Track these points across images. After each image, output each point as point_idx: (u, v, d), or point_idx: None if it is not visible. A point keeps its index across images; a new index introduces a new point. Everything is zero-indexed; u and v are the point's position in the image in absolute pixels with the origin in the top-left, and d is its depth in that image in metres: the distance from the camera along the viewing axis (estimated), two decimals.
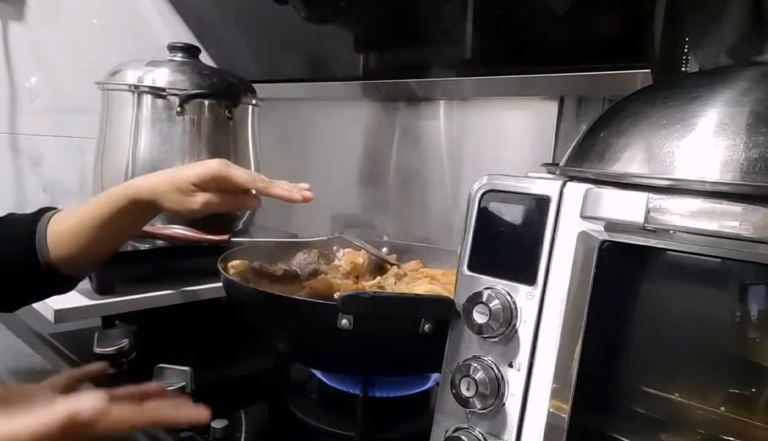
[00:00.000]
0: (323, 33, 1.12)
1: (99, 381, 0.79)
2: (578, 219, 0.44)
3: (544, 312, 0.45)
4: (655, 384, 0.46)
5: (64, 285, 0.70)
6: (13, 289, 0.67)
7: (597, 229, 0.43)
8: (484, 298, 0.47)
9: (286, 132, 1.29)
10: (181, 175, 0.64)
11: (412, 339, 0.53)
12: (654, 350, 0.47)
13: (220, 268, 0.74)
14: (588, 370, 0.44)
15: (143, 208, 0.65)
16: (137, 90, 0.98)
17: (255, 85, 1.11)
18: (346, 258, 0.81)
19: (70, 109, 1.20)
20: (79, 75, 1.12)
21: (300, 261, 0.84)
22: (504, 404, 0.46)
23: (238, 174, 0.65)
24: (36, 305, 0.74)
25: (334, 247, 0.88)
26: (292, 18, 1.05)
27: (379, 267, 0.85)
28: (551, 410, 0.45)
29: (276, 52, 1.26)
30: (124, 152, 0.99)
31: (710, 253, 0.39)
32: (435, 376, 0.74)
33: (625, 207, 0.41)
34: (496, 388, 0.46)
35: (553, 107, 0.89)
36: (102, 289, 0.87)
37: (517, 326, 0.46)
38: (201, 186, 0.64)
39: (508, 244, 0.48)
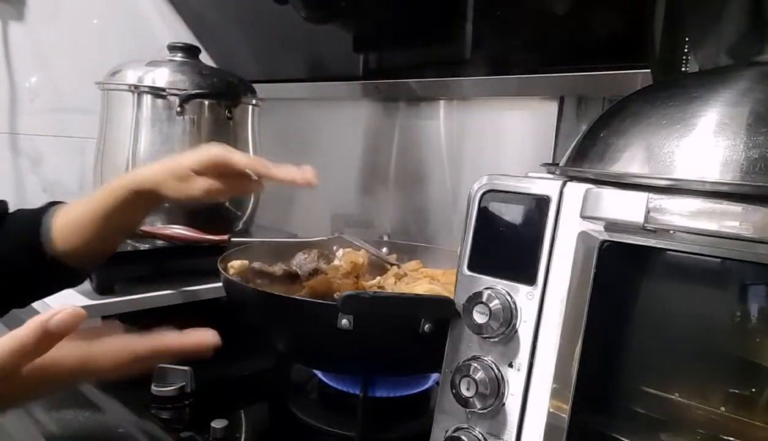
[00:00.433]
0: (323, 33, 1.12)
1: (99, 382, 0.79)
2: (578, 219, 0.44)
3: (544, 312, 0.45)
4: (655, 384, 0.46)
5: (73, 278, 0.70)
6: (23, 283, 0.67)
7: (597, 229, 0.43)
8: (484, 298, 0.47)
9: (286, 132, 1.29)
10: (179, 162, 0.63)
11: (412, 339, 0.53)
12: (654, 350, 0.47)
13: (220, 268, 0.74)
14: (588, 370, 0.44)
15: (145, 198, 0.65)
16: (137, 90, 0.98)
17: (255, 85, 1.11)
18: (346, 258, 0.81)
19: (70, 109, 1.20)
20: (79, 75, 1.12)
21: (300, 261, 0.85)
22: (504, 404, 0.46)
23: (238, 158, 0.64)
24: (35, 305, 0.74)
25: (334, 247, 0.88)
26: (292, 18, 1.05)
27: (379, 267, 0.86)
28: (551, 410, 0.45)
29: (276, 52, 1.26)
30: (124, 152, 0.99)
31: (710, 253, 0.39)
32: (435, 376, 0.74)
33: (625, 207, 0.41)
34: (496, 388, 0.46)
35: (553, 107, 0.89)
36: (102, 289, 0.87)
37: (517, 326, 0.46)
38: (201, 172, 0.63)
39: (508, 244, 0.48)
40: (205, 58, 1.13)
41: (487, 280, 0.48)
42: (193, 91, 0.98)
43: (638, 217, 0.40)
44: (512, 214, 0.48)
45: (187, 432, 0.67)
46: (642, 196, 0.40)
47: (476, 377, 0.47)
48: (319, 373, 0.75)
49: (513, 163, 0.93)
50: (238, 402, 0.76)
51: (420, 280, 0.79)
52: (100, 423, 0.71)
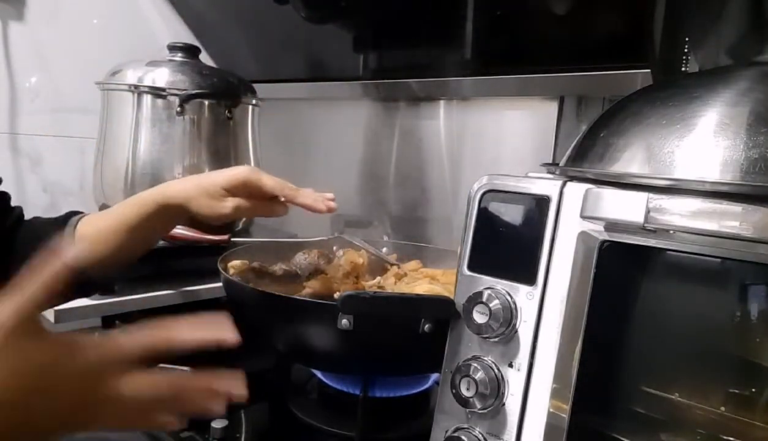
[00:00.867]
0: (323, 33, 1.12)
1: None
2: (578, 219, 0.44)
3: (544, 312, 0.45)
4: (655, 384, 0.46)
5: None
6: None
7: (597, 229, 0.43)
8: (484, 298, 0.47)
9: (286, 132, 1.29)
10: (211, 180, 0.64)
11: (412, 339, 0.53)
12: (654, 350, 0.47)
13: (220, 268, 0.74)
14: (588, 370, 0.44)
15: (172, 213, 0.65)
16: (137, 90, 0.98)
17: (255, 85, 1.11)
18: (346, 258, 0.81)
19: (70, 109, 1.20)
20: (79, 75, 1.12)
21: (300, 261, 0.84)
22: (504, 404, 0.46)
23: (267, 181, 0.65)
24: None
25: (334, 247, 0.88)
26: (292, 18, 1.05)
27: (379, 267, 0.85)
28: (551, 410, 0.45)
29: (276, 52, 1.26)
30: (124, 152, 0.99)
31: (710, 253, 0.39)
32: (435, 376, 0.74)
33: (625, 207, 0.41)
34: (496, 388, 0.46)
35: (553, 107, 0.89)
36: (102, 289, 0.87)
37: (517, 326, 0.46)
38: (231, 191, 0.64)
39: (508, 244, 0.48)
40: (205, 58, 1.13)
41: (487, 280, 0.48)
42: (193, 91, 0.98)
43: (638, 217, 0.40)
44: (512, 214, 0.48)
45: (187, 432, 0.67)
46: (642, 196, 0.40)
47: (476, 377, 0.47)
48: (319, 373, 0.75)
49: (513, 163, 0.93)
50: (238, 402, 0.75)
51: (420, 280, 0.79)
52: None
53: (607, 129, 0.47)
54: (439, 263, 0.87)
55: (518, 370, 0.46)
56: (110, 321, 0.97)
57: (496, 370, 0.47)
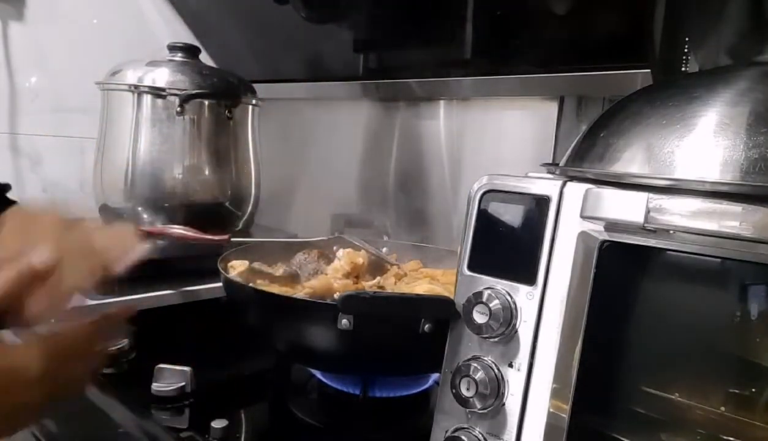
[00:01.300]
0: (323, 33, 1.12)
1: (99, 382, 0.79)
2: (578, 219, 0.44)
3: (544, 312, 0.45)
4: (655, 384, 0.46)
5: None
6: None
7: (597, 229, 0.43)
8: (484, 298, 0.47)
9: (286, 132, 1.29)
10: None
11: (412, 339, 0.53)
12: (654, 350, 0.47)
13: (220, 268, 0.74)
14: (588, 370, 0.44)
15: None
16: (137, 90, 0.98)
17: (255, 85, 1.11)
18: (346, 258, 0.81)
19: (70, 109, 1.20)
20: (79, 75, 1.12)
21: (300, 261, 0.85)
22: (504, 404, 0.46)
23: None
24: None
25: (334, 247, 0.88)
26: (292, 18, 1.05)
27: (379, 267, 0.85)
28: (551, 410, 0.45)
29: (276, 52, 1.26)
30: (124, 152, 0.99)
31: (710, 253, 0.39)
32: (435, 376, 0.74)
33: (625, 207, 0.41)
34: (496, 388, 0.46)
35: (553, 107, 0.89)
36: (102, 289, 0.87)
37: (517, 326, 0.46)
38: None
39: (508, 244, 0.48)
40: (205, 58, 1.13)
41: (487, 280, 0.48)
42: (193, 91, 0.98)
43: (638, 217, 0.40)
44: (512, 214, 0.48)
45: (187, 432, 0.67)
46: (642, 196, 0.40)
47: (476, 377, 0.47)
48: (319, 373, 0.75)
49: (513, 163, 0.93)
50: (238, 402, 0.76)
51: (420, 280, 0.79)
52: (100, 423, 0.71)
53: (607, 129, 0.47)
54: (439, 263, 0.87)
55: (518, 370, 0.46)
56: None
57: (496, 370, 0.47)
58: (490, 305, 0.46)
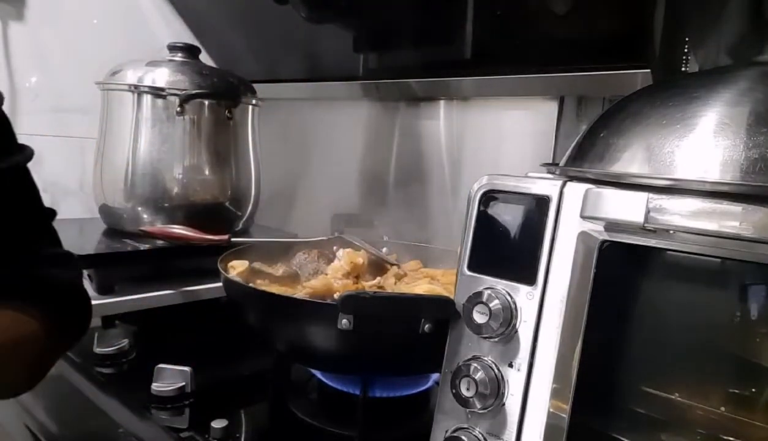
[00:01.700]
0: (323, 33, 1.12)
1: (98, 382, 0.79)
2: (578, 219, 0.44)
3: (544, 312, 0.45)
4: (655, 384, 0.46)
5: None
6: None
7: (597, 229, 0.43)
8: (484, 298, 0.47)
9: (286, 132, 1.29)
10: None
11: (412, 339, 0.53)
12: (654, 350, 0.47)
13: (220, 268, 0.74)
14: (588, 370, 0.44)
15: None
16: (137, 90, 0.98)
17: (255, 85, 1.11)
18: (346, 258, 0.81)
19: (70, 109, 1.20)
20: (79, 75, 1.12)
21: (300, 261, 0.85)
22: (504, 404, 0.46)
23: None
24: None
25: (334, 247, 0.88)
26: (292, 18, 1.05)
27: (379, 267, 0.85)
28: (551, 410, 0.45)
29: (276, 52, 1.26)
30: (124, 152, 0.99)
31: (710, 253, 0.39)
32: (435, 376, 0.74)
33: (625, 207, 0.41)
34: (496, 388, 0.46)
35: (553, 107, 0.89)
36: (102, 289, 0.88)
37: (517, 326, 0.46)
38: None
39: (508, 244, 0.48)
40: (205, 58, 1.13)
41: (487, 280, 0.48)
42: (193, 91, 0.98)
43: (638, 217, 0.40)
44: (512, 214, 0.48)
45: (187, 432, 0.67)
46: (642, 196, 0.40)
47: (476, 377, 0.47)
48: (319, 373, 0.75)
49: (513, 163, 0.93)
50: (238, 402, 0.76)
51: (420, 280, 0.79)
52: (100, 423, 0.71)
53: (607, 129, 0.47)
54: (439, 263, 0.87)
55: (518, 370, 0.46)
56: (110, 321, 0.97)
57: (496, 370, 0.47)
58: (490, 305, 0.46)
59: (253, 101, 1.10)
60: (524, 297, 0.46)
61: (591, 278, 0.43)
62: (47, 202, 0.66)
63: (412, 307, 0.53)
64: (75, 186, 1.21)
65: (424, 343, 0.51)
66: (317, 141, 1.25)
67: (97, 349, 0.85)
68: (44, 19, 1.16)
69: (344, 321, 0.51)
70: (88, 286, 0.86)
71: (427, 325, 0.52)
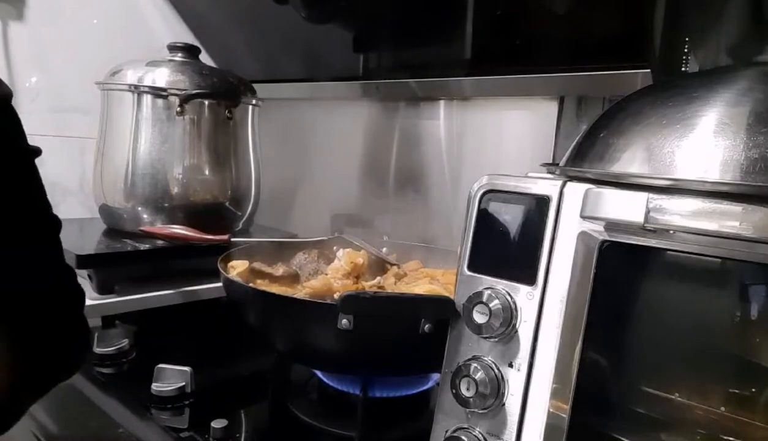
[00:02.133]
0: (323, 33, 1.12)
1: (98, 382, 0.79)
2: (578, 219, 0.44)
3: (544, 312, 0.45)
4: (655, 384, 0.46)
5: None
6: None
7: (597, 229, 0.43)
8: (484, 298, 0.47)
9: (286, 132, 1.29)
10: None
11: (412, 339, 0.53)
12: (654, 350, 0.47)
13: (220, 268, 0.74)
14: (588, 370, 0.44)
15: None
16: (137, 90, 0.98)
17: (255, 85, 1.11)
18: (346, 258, 0.81)
19: (70, 109, 1.20)
20: (79, 75, 1.12)
21: (300, 261, 0.85)
22: (504, 404, 0.46)
23: None
24: None
25: (334, 247, 0.88)
26: (292, 18, 1.05)
27: (379, 267, 0.86)
28: (551, 410, 0.45)
29: (276, 52, 1.26)
30: (124, 152, 0.99)
31: (710, 253, 0.39)
32: (435, 376, 0.74)
33: (625, 207, 0.41)
34: (496, 388, 0.46)
35: (553, 107, 0.89)
36: (102, 289, 0.87)
37: (517, 326, 0.46)
38: None
39: (508, 244, 0.48)
40: (205, 58, 1.13)
41: (487, 280, 0.48)
42: (193, 91, 0.98)
43: (638, 217, 0.40)
44: (512, 214, 0.48)
45: (187, 432, 0.67)
46: (642, 196, 0.40)
47: (476, 377, 0.47)
48: (319, 373, 0.75)
49: (513, 163, 0.93)
50: (238, 402, 0.76)
51: (420, 280, 0.79)
52: (100, 423, 0.71)
53: (607, 129, 0.47)
54: (439, 263, 0.87)
55: (518, 370, 0.46)
56: (110, 321, 0.97)
57: (496, 370, 0.47)
58: (490, 305, 0.46)
59: (253, 101, 1.10)
60: (524, 297, 0.46)
61: (591, 278, 0.43)
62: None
63: (412, 307, 0.53)
64: (75, 186, 1.21)
65: (424, 343, 0.51)
66: (317, 141, 1.25)
67: (97, 349, 0.85)
68: (44, 19, 1.16)
69: (344, 321, 0.51)
70: (88, 286, 0.87)
71: (427, 325, 0.52)
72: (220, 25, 1.31)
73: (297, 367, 0.81)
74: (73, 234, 1.00)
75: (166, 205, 0.99)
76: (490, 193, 0.49)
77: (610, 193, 0.42)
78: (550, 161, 0.81)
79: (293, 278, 0.81)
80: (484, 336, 0.47)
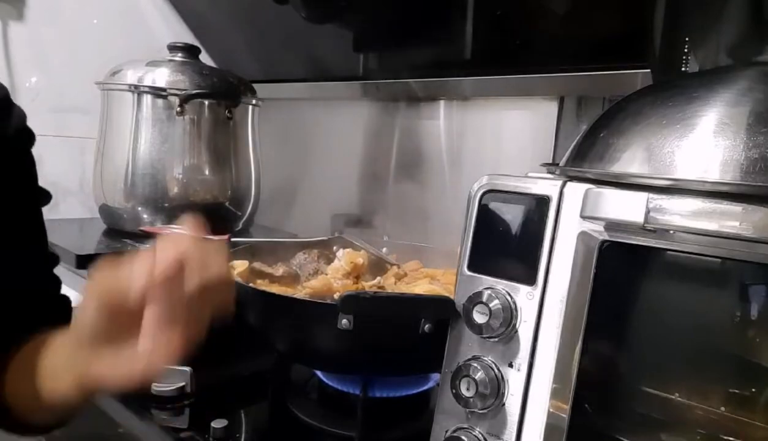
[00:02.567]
0: (323, 33, 1.12)
1: None
2: (578, 219, 0.44)
3: (544, 312, 0.45)
4: (655, 384, 0.46)
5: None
6: None
7: (597, 229, 0.43)
8: (484, 298, 0.47)
9: (286, 132, 1.29)
10: None
11: (412, 339, 0.53)
12: (654, 350, 0.47)
13: None
14: (588, 370, 0.44)
15: None
16: (137, 90, 0.99)
17: (255, 85, 1.11)
18: (346, 258, 0.81)
19: (70, 109, 1.20)
20: (79, 75, 1.12)
21: (300, 261, 0.85)
22: (504, 404, 0.46)
23: None
24: None
25: (334, 247, 0.88)
26: (292, 18, 1.05)
27: (379, 267, 0.85)
28: (551, 410, 0.45)
29: (276, 52, 1.26)
30: (124, 152, 0.99)
31: (710, 253, 0.39)
32: (435, 376, 0.74)
33: (625, 207, 0.41)
34: (496, 388, 0.46)
35: (553, 107, 0.89)
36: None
37: (517, 326, 0.46)
38: None
39: (508, 244, 0.48)
40: (205, 58, 1.13)
41: (487, 280, 0.48)
42: (193, 91, 0.98)
43: (638, 217, 0.40)
44: (512, 214, 0.48)
45: (187, 432, 0.67)
46: (642, 196, 0.40)
47: (476, 377, 0.47)
48: (319, 373, 0.75)
49: (513, 163, 0.93)
50: (238, 402, 0.76)
51: (420, 280, 0.79)
52: (100, 423, 0.71)
53: (607, 129, 0.47)
54: (439, 263, 0.87)
55: (518, 370, 0.46)
56: None
57: (496, 370, 0.47)
58: (490, 305, 0.46)
59: (253, 101, 1.10)
60: (524, 297, 0.46)
61: (591, 278, 0.43)
62: None
63: (412, 307, 0.53)
64: (75, 186, 1.21)
65: (424, 343, 0.51)
66: (317, 141, 1.25)
67: None
68: (44, 19, 1.16)
69: (344, 321, 0.51)
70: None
71: (427, 325, 0.52)
72: (220, 25, 1.31)
73: (297, 367, 0.81)
74: (73, 234, 1.00)
75: (166, 205, 0.99)
76: (490, 193, 0.49)
77: (610, 193, 0.42)
78: (550, 161, 0.81)
79: (293, 278, 0.81)
80: (484, 336, 0.47)
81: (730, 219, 0.37)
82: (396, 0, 0.99)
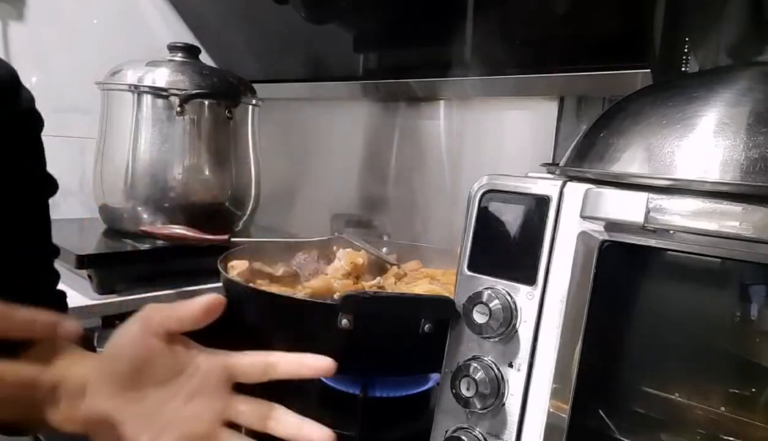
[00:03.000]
0: (323, 33, 1.12)
1: None
2: (578, 219, 0.44)
3: (544, 312, 0.45)
4: (655, 384, 0.46)
5: None
6: None
7: (597, 229, 0.43)
8: (484, 298, 0.47)
9: (286, 132, 1.29)
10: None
11: (412, 339, 0.53)
12: (654, 350, 0.47)
13: (220, 268, 0.74)
14: (588, 370, 0.44)
15: None
16: (137, 90, 0.98)
17: (255, 85, 1.11)
18: (346, 258, 0.81)
19: (70, 109, 1.20)
20: (79, 75, 1.12)
21: (300, 261, 0.85)
22: (504, 404, 0.46)
23: None
24: None
25: (334, 247, 0.88)
26: (292, 18, 1.05)
27: (379, 267, 0.85)
28: (551, 410, 0.45)
29: (276, 52, 1.26)
30: (124, 152, 0.99)
31: (710, 253, 0.40)
32: (435, 376, 0.74)
33: (625, 207, 0.41)
34: (496, 388, 0.46)
35: (553, 107, 0.89)
36: (102, 289, 0.87)
37: (517, 326, 0.46)
38: None
39: (508, 244, 0.48)
40: (205, 58, 1.13)
41: (487, 280, 0.48)
42: (193, 91, 0.98)
43: (638, 217, 0.40)
44: (512, 214, 0.48)
45: None
46: (642, 196, 0.40)
47: (476, 377, 0.47)
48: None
49: (513, 163, 0.93)
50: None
51: (420, 280, 0.79)
52: None
53: (607, 129, 0.47)
54: (439, 263, 0.87)
55: (518, 370, 0.46)
56: (110, 321, 0.97)
57: (496, 370, 0.47)
58: (490, 305, 0.46)
59: (253, 101, 1.10)
60: (524, 297, 0.46)
61: (591, 278, 0.43)
62: None
63: (412, 307, 0.53)
64: (75, 186, 1.21)
65: (424, 343, 0.51)
66: (317, 141, 1.25)
67: (98, 349, 0.85)
68: (44, 19, 1.16)
69: (344, 321, 0.51)
70: (89, 286, 0.87)
71: (427, 325, 0.52)
72: (220, 25, 1.31)
73: None
74: (73, 234, 1.00)
75: (166, 205, 0.99)
76: (490, 193, 0.49)
77: (610, 193, 0.42)
78: (550, 161, 0.81)
79: (293, 278, 0.81)
80: (484, 336, 0.47)
81: (730, 219, 0.37)
82: (396, 0, 0.99)
